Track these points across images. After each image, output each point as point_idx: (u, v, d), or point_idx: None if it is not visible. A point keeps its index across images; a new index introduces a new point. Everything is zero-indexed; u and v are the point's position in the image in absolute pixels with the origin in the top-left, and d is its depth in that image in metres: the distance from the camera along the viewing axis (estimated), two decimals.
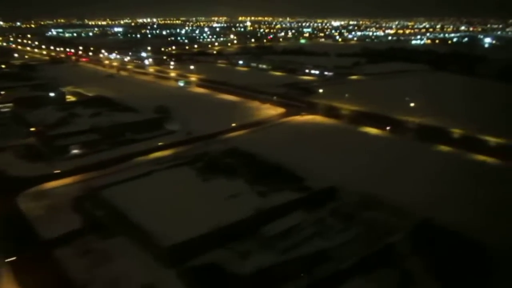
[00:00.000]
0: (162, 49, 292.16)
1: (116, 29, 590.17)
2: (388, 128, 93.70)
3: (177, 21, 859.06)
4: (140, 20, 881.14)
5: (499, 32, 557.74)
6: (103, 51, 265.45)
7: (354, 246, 48.17)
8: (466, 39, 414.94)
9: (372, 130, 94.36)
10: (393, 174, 67.58)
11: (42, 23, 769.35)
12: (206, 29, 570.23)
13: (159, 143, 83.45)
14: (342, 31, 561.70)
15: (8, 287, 41.01)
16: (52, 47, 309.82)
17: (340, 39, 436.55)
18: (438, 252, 45.58)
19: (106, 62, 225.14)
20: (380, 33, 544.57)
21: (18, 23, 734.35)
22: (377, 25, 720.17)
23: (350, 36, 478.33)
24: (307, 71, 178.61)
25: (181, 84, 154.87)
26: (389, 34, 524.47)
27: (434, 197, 58.92)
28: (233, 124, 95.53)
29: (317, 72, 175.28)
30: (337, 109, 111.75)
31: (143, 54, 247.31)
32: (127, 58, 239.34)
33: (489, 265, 44.09)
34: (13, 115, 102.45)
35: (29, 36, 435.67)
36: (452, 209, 55.57)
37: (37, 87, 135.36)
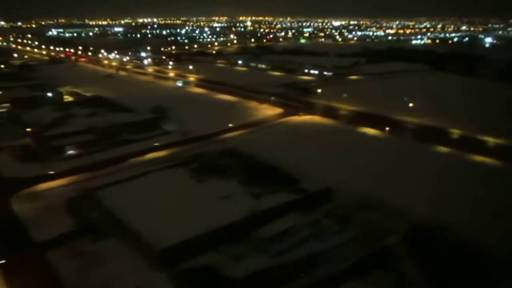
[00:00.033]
0: (162, 49, 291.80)
1: (116, 29, 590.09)
2: (386, 128, 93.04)
3: (178, 21, 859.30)
4: (141, 20, 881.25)
5: (500, 32, 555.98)
6: (102, 51, 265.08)
7: (350, 248, 47.58)
8: (466, 39, 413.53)
9: (370, 131, 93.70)
10: (390, 175, 66.97)
11: (43, 23, 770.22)
12: (206, 29, 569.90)
13: (155, 144, 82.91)
14: (343, 31, 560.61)
15: None
16: (52, 47, 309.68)
17: (340, 39, 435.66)
18: (434, 254, 45.02)
19: (105, 62, 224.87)
20: (381, 33, 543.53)
21: (19, 23, 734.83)
22: (378, 25, 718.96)
23: (350, 36, 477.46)
24: (306, 71, 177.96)
25: (179, 84, 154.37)
26: (389, 34, 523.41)
27: (432, 198, 58.26)
28: (230, 125, 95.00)
29: (316, 72, 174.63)
30: (336, 109, 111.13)
31: (143, 54, 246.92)
32: (126, 58, 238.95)
33: (487, 268, 43.51)
34: (9, 115, 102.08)
35: (29, 36, 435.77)
36: (449, 211, 54.91)
37: (35, 87, 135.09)
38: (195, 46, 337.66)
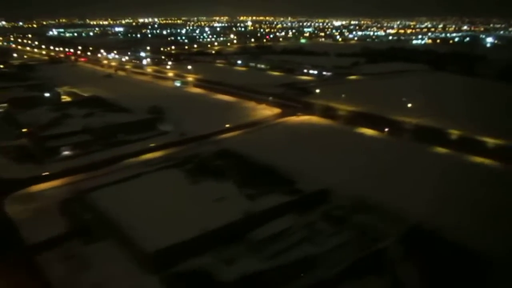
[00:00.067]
0: (162, 49, 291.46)
1: (117, 29, 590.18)
2: (384, 129, 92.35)
3: (179, 21, 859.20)
4: (142, 20, 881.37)
5: (501, 32, 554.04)
6: (102, 51, 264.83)
7: (345, 251, 46.94)
8: (467, 38, 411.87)
9: (369, 131, 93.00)
10: (388, 177, 66.30)
11: (44, 23, 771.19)
12: (206, 29, 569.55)
13: (151, 144, 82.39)
14: (343, 31, 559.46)
15: None
16: (52, 47, 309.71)
17: (340, 39, 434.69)
18: (431, 257, 44.38)
19: (105, 62, 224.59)
20: (381, 33, 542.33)
21: (21, 23, 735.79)
22: (379, 25, 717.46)
23: (350, 36, 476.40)
24: (305, 71, 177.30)
25: (177, 84, 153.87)
26: (390, 34, 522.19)
27: (429, 200, 57.59)
28: (227, 125, 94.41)
29: (315, 72, 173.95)
30: (334, 109, 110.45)
31: (142, 54, 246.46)
32: (125, 58, 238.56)
33: (485, 271, 42.84)
34: (6, 115, 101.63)
35: (29, 36, 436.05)
36: (447, 213, 54.28)
37: (33, 87, 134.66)
38: (195, 46, 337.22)
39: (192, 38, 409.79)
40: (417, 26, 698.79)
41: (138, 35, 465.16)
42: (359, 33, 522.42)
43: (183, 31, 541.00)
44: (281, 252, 45.93)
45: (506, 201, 58.29)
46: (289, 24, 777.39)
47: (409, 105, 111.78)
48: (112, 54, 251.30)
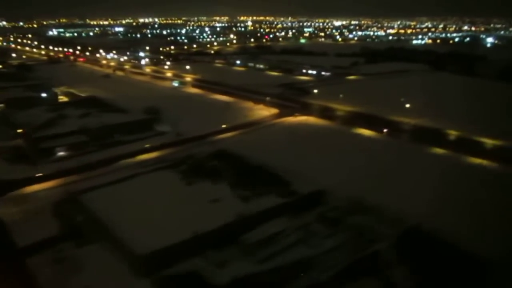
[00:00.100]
0: (161, 48, 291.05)
1: (117, 29, 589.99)
2: (382, 129, 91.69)
3: (179, 21, 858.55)
4: (142, 20, 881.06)
5: (502, 32, 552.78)
6: (101, 51, 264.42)
7: (339, 253, 46.34)
8: (468, 39, 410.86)
9: (366, 132, 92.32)
10: (385, 178, 65.62)
11: (44, 23, 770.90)
12: (206, 29, 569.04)
13: (147, 145, 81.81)
14: (343, 30, 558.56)
15: None
16: (51, 47, 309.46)
17: (340, 39, 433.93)
18: (427, 260, 43.75)
19: (104, 62, 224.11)
20: (381, 33, 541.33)
21: (21, 23, 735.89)
22: (379, 25, 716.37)
23: (350, 36, 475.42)
24: (304, 71, 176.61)
25: (175, 84, 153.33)
26: (390, 34, 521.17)
27: (427, 202, 56.87)
28: (224, 125, 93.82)
29: (314, 72, 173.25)
30: (332, 110, 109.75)
31: (141, 54, 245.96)
32: (124, 58, 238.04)
33: (483, 275, 42.20)
34: (1, 116, 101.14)
35: (29, 36, 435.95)
36: (444, 215, 53.60)
37: (30, 87, 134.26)
38: (195, 46, 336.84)
39: (191, 38, 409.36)
40: (418, 26, 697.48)
41: (138, 35, 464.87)
42: (359, 33, 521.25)
43: (183, 31, 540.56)
44: (275, 255, 45.38)
45: (504, 202, 57.64)
46: (289, 24, 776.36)
47: (408, 105, 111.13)
48: (111, 54, 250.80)
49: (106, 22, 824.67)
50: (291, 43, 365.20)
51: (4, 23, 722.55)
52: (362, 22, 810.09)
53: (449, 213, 54.42)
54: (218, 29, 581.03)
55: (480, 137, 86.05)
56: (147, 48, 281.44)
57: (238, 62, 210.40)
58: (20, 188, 62.92)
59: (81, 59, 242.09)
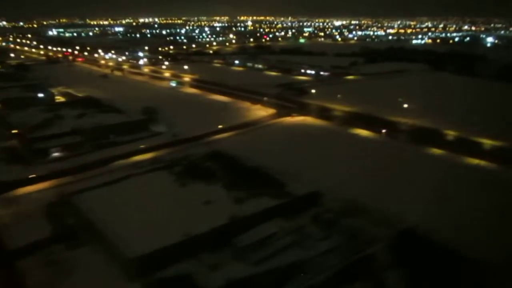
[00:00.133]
0: (160, 48, 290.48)
1: (116, 29, 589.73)
2: (379, 130, 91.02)
3: (179, 21, 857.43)
4: (142, 20, 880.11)
5: (502, 32, 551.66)
6: (100, 50, 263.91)
7: (333, 256, 45.82)
8: (467, 38, 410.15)
9: (363, 132, 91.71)
10: (381, 179, 65.01)
11: (45, 23, 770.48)
12: (206, 29, 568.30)
13: (143, 146, 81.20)
14: (343, 30, 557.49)
15: None
16: (50, 47, 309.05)
17: (340, 39, 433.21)
18: (420, 264, 43.14)
19: (102, 62, 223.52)
20: (381, 32, 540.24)
21: (21, 23, 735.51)
22: (379, 25, 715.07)
23: (350, 36, 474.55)
24: (302, 71, 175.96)
25: (173, 84, 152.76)
26: (390, 34, 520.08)
27: (423, 204, 56.35)
28: (220, 126, 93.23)
29: (312, 72, 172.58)
30: (329, 110, 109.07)
31: (140, 54, 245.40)
32: (123, 58, 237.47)
33: (478, 278, 41.58)
34: None
35: (29, 36, 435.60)
36: (440, 217, 53.02)
37: (28, 87, 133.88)
38: (194, 46, 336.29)
39: (191, 38, 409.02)
40: (418, 26, 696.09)
41: (137, 35, 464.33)
42: (359, 33, 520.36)
43: (183, 31, 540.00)
44: (268, 257, 44.84)
45: (501, 204, 57.03)
46: (289, 24, 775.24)
47: (406, 105, 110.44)
48: (110, 54, 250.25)
49: (106, 22, 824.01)
50: (290, 43, 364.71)
51: (4, 23, 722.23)
52: (362, 22, 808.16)
53: (446, 215, 53.85)
54: (217, 29, 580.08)
55: (479, 137, 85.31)
56: (146, 48, 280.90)
57: (236, 62, 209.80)
58: (13, 190, 62.30)
59: (80, 59, 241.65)
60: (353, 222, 51.46)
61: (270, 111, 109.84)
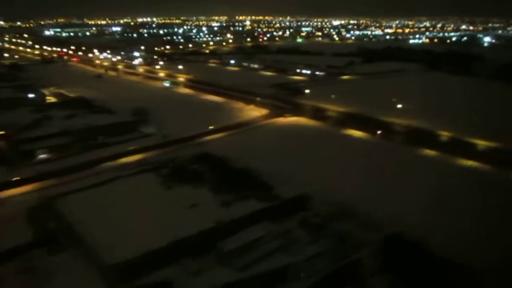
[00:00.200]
0: (156, 48, 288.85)
1: (114, 29, 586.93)
2: (373, 131, 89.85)
3: (177, 21, 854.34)
4: (140, 20, 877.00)
5: (499, 31, 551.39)
6: (95, 50, 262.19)
7: (321, 261, 44.66)
8: (465, 38, 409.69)
9: (356, 133, 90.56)
10: (373, 182, 63.84)
11: (42, 22, 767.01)
12: (204, 29, 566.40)
13: (131, 147, 79.84)
14: (341, 30, 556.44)
15: None
16: (45, 47, 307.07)
17: (337, 38, 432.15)
18: (408, 269, 42.00)
19: (97, 62, 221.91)
20: (379, 32, 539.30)
21: (19, 23, 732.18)
22: (377, 24, 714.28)
23: (348, 36, 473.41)
24: (298, 70, 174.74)
25: (166, 84, 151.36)
26: (388, 33, 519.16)
27: (414, 208, 55.13)
28: (211, 127, 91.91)
29: (308, 72, 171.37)
30: (323, 110, 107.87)
31: (136, 54, 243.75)
32: (118, 58, 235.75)
33: (468, 285, 40.47)
34: None
35: (25, 35, 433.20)
36: (430, 221, 51.77)
37: (20, 87, 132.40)
38: (190, 45, 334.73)
39: (188, 38, 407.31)
40: (416, 25, 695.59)
41: (135, 35, 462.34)
42: (357, 32, 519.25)
43: (180, 30, 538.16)
44: (254, 263, 43.65)
45: (493, 207, 55.97)
46: (287, 23, 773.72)
47: (402, 105, 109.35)
48: (105, 54, 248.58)
49: (104, 22, 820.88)
50: (288, 43, 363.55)
51: (2, 22, 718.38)
52: (361, 21, 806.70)
53: (438, 219, 52.72)
54: (215, 28, 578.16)
55: (474, 138, 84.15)
56: (142, 47, 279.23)
57: (232, 62, 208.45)
58: None
59: (75, 59, 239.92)
60: (342, 226, 50.32)
61: (263, 111, 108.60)
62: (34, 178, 65.66)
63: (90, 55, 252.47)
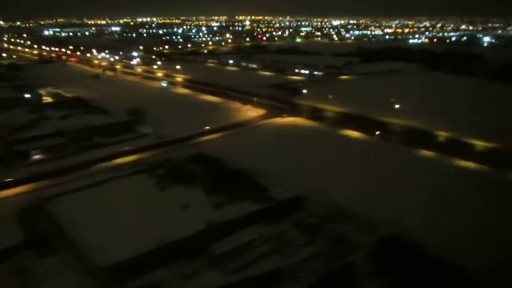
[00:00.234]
0: (154, 48, 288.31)
1: (113, 28, 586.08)
2: (371, 131, 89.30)
3: (177, 21, 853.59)
4: (140, 20, 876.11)
5: (499, 31, 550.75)
6: (93, 50, 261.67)
7: (315, 263, 44.09)
8: (464, 38, 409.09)
9: (354, 133, 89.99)
10: (370, 183, 63.08)
11: (42, 22, 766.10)
12: (203, 28, 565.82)
13: (127, 148, 79.31)
14: (340, 30, 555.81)
15: None
16: (44, 47, 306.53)
17: (336, 38, 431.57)
18: (405, 271, 41.44)
19: (96, 61, 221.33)
20: (379, 32, 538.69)
21: (18, 23, 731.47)
22: (377, 24, 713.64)
23: (347, 35, 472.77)
24: (296, 70, 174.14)
25: (164, 84, 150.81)
26: (387, 33, 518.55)
27: (412, 209, 54.48)
28: (207, 127, 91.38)
29: (306, 71, 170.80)
30: (321, 110, 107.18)
31: (134, 54, 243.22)
32: (116, 58, 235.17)
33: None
34: None
35: (24, 35, 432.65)
36: (428, 223, 51.12)
37: (17, 88, 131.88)
38: (189, 45, 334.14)
39: (187, 38, 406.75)
40: (416, 25, 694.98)
41: (134, 35, 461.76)
42: (356, 32, 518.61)
43: (180, 30, 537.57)
44: (247, 265, 43.06)
45: (493, 208, 55.39)
46: (287, 23, 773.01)
47: (400, 105, 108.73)
48: (103, 54, 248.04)
49: (103, 22, 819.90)
50: (287, 43, 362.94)
51: (1, 22, 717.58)
52: (361, 21, 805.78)
53: (435, 221, 52.09)
54: (215, 28, 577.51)
55: (473, 139, 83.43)
56: (141, 47, 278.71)
57: (231, 61, 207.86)
58: None
59: (73, 59, 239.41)
60: (338, 227, 49.70)
61: (261, 111, 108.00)
62: (29, 178, 65.09)
63: (89, 55, 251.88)
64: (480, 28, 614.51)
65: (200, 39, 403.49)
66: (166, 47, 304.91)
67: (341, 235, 48.23)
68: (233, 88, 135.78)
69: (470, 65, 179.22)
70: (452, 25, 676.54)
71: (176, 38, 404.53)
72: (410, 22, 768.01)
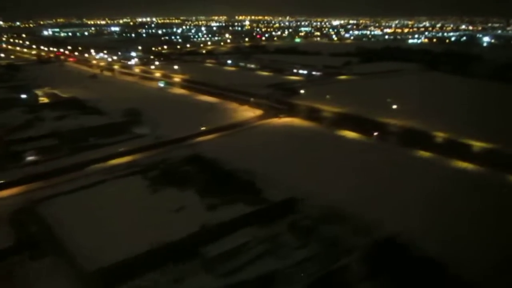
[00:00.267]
0: (153, 48, 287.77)
1: (113, 29, 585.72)
2: (368, 132, 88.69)
3: (177, 21, 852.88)
4: (140, 20, 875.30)
5: (499, 31, 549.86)
6: (92, 50, 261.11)
7: (309, 266, 43.58)
8: (464, 38, 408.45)
9: (351, 134, 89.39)
10: (366, 185, 62.52)
11: (42, 22, 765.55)
12: (203, 28, 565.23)
13: (122, 149, 78.72)
14: (340, 30, 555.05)
15: None
16: (43, 47, 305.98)
17: (336, 38, 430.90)
18: (399, 275, 40.89)
19: (94, 62, 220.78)
20: (378, 32, 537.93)
21: (18, 23, 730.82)
22: (377, 24, 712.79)
23: (347, 35, 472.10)
24: (294, 70, 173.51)
25: (161, 85, 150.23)
26: (387, 33, 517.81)
27: (407, 211, 53.93)
28: (203, 128, 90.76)
29: (305, 72, 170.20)
30: (318, 111, 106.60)
31: (133, 54, 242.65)
32: (114, 58, 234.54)
33: None
34: None
35: (23, 35, 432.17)
36: (424, 225, 50.52)
37: (14, 88, 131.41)
38: (188, 45, 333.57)
39: (186, 38, 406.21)
40: (415, 25, 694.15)
41: (133, 35, 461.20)
42: (356, 32, 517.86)
43: (179, 30, 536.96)
44: (240, 268, 42.58)
45: (491, 209, 54.84)
46: (287, 23, 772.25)
47: (398, 106, 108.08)
48: (101, 54, 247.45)
49: (103, 22, 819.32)
50: (286, 43, 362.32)
51: (1, 23, 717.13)
52: (361, 21, 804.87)
53: (432, 223, 51.50)
54: (214, 28, 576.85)
55: (471, 139, 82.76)
56: (140, 47, 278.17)
57: (229, 62, 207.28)
58: None
59: (72, 59, 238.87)
60: (332, 229, 49.21)
61: (258, 112, 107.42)
62: (22, 180, 64.51)
63: (87, 55, 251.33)
64: (479, 28, 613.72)
65: (199, 39, 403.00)
66: (165, 47, 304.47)
67: (336, 237, 47.73)
68: (230, 88, 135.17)
69: (469, 65, 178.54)
70: (451, 25, 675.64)
71: (175, 38, 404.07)
72: (409, 22, 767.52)
